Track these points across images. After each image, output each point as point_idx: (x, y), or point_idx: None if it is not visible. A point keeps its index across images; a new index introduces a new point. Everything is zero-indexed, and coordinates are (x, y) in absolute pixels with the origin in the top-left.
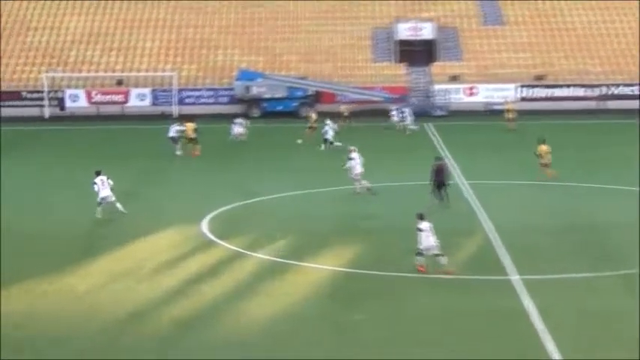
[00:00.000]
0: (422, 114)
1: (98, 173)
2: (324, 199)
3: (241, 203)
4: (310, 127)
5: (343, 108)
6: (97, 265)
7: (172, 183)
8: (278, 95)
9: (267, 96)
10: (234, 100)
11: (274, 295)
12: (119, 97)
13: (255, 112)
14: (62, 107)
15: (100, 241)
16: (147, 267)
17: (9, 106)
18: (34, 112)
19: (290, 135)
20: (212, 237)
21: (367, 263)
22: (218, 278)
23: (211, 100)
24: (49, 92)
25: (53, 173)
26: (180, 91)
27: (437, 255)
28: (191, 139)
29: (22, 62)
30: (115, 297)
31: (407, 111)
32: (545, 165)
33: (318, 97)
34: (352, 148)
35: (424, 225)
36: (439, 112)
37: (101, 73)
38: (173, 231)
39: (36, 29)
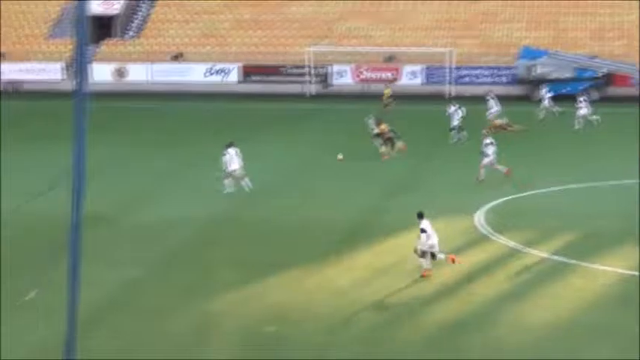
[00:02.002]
0: None
1: (230, 145)
2: (607, 194)
3: (515, 196)
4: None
5: None
6: (359, 259)
7: (443, 171)
8: (564, 76)
9: (552, 77)
10: (515, 81)
11: (554, 297)
12: (388, 75)
13: (538, 95)
14: (326, 84)
15: (363, 231)
16: (413, 262)
17: (269, 82)
18: (295, 89)
19: (572, 121)
20: (485, 231)
21: None
22: (492, 276)
23: (489, 79)
24: (314, 68)
25: (316, 156)
26: (456, 68)
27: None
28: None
29: (283, 35)
30: (378, 294)
31: None
32: None
33: (609, 80)
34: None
35: (425, 224)
36: None
37: (367, 48)
38: (443, 223)
39: None
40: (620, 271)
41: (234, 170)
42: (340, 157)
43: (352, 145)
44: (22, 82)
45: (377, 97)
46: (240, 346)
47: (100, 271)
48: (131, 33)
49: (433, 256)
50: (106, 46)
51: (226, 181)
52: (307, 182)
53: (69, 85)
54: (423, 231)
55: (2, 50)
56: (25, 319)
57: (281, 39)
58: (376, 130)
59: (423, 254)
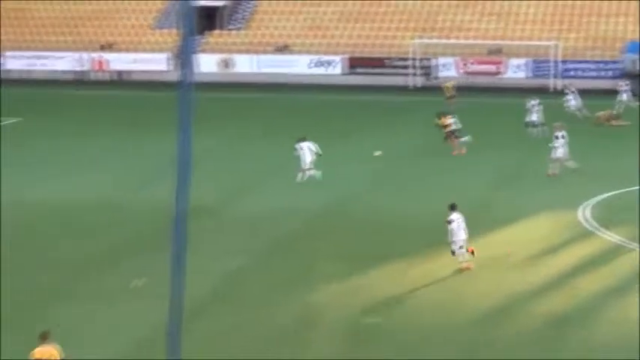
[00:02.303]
0: None
1: (303, 140)
2: None
3: (621, 191)
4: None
5: None
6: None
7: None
8: None
9: None
10: (621, 74)
11: None
12: (493, 68)
13: None
14: (430, 76)
15: (468, 224)
16: (517, 256)
17: (373, 74)
18: (399, 81)
19: None
20: (590, 226)
21: None
22: (597, 272)
23: (594, 74)
24: (418, 60)
25: (419, 148)
26: (562, 62)
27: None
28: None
29: (388, 27)
30: (483, 287)
31: None
32: None
33: None
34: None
35: (455, 216)
36: None
37: (472, 41)
38: (547, 217)
39: None
40: None
41: (306, 163)
42: (378, 153)
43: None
44: (128, 72)
45: (481, 90)
46: (341, 338)
47: (204, 261)
48: (237, 24)
49: (453, 252)
50: (212, 37)
51: (299, 174)
52: (411, 174)
53: (175, 76)
54: (449, 222)
55: (110, 40)
56: (132, 306)
57: (386, 31)
58: (438, 122)
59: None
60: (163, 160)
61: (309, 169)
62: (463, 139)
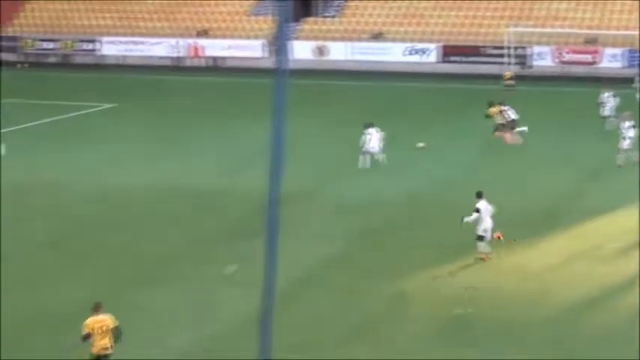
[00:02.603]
0: None
1: (370, 125)
2: None
3: None
4: None
5: None
6: (554, 243)
7: None
8: None
9: None
10: None
11: None
12: (589, 57)
13: None
14: (525, 65)
15: (559, 215)
16: (608, 248)
17: (468, 62)
18: (494, 69)
19: None
20: None
21: None
22: None
23: None
24: (513, 49)
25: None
26: None
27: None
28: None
29: (483, 15)
30: (571, 279)
31: None
32: None
33: None
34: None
35: (482, 204)
36: None
37: (567, 29)
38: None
39: None
40: None
41: (373, 148)
42: (421, 144)
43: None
44: (223, 58)
45: (578, 79)
46: (429, 328)
47: (296, 247)
48: (332, 12)
49: (481, 238)
50: (307, 25)
51: (361, 157)
52: (502, 164)
53: (270, 63)
54: (477, 210)
55: (205, 26)
56: (226, 293)
57: (481, 19)
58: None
59: (479, 238)
60: (257, 147)
61: (375, 153)
62: (520, 129)
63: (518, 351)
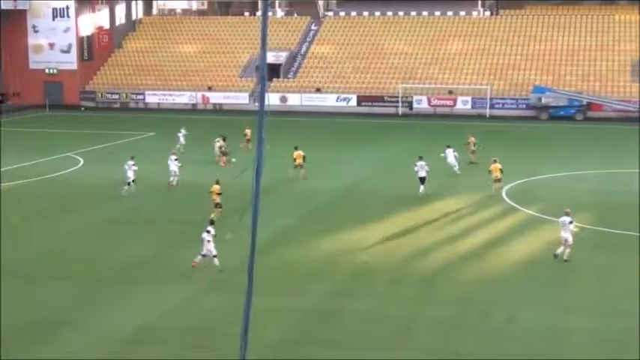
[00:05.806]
0: None
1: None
2: (587, 179)
3: (529, 179)
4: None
5: None
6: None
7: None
8: (561, 104)
9: (553, 104)
10: (529, 107)
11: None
12: (449, 102)
13: (544, 116)
14: (411, 107)
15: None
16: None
17: (376, 105)
18: (391, 110)
19: (565, 132)
20: (513, 203)
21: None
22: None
23: (513, 106)
24: (403, 97)
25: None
26: (491, 99)
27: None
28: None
29: (383, 76)
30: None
31: None
32: None
33: (589, 106)
34: None
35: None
36: None
37: (436, 85)
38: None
39: (394, 54)
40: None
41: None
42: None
43: (426, 146)
44: (222, 104)
45: (442, 116)
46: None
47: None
48: (290, 75)
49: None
50: (275, 83)
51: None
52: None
53: (253, 107)
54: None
55: (210, 84)
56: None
57: (383, 79)
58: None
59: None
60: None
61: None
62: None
63: None
